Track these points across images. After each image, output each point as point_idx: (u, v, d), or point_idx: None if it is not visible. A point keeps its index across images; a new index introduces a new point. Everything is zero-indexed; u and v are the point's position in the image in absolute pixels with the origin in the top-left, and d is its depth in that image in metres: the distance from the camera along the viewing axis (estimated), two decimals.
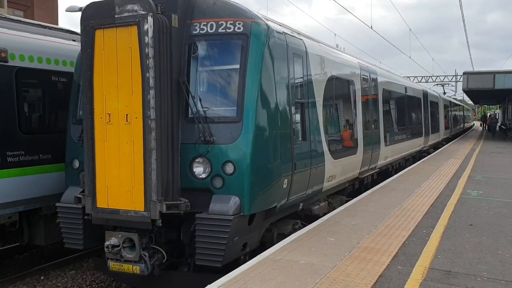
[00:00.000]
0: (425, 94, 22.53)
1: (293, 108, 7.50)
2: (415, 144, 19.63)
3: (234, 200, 6.29)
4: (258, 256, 6.19)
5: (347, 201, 10.24)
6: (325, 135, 8.84)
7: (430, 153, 23.18)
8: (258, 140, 6.51)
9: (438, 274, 5.55)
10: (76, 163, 7.31)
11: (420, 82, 50.55)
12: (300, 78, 7.98)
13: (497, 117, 52.58)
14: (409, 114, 18.33)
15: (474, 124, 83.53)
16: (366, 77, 12.37)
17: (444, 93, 49.77)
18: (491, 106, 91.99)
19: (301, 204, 8.28)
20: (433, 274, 5.55)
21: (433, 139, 24.60)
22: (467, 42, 42.94)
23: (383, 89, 14.10)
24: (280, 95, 7.09)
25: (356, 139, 11.06)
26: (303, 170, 7.72)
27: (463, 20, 29.67)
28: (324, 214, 8.89)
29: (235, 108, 6.58)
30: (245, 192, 6.34)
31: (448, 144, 29.26)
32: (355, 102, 11.27)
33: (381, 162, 13.63)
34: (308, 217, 8.61)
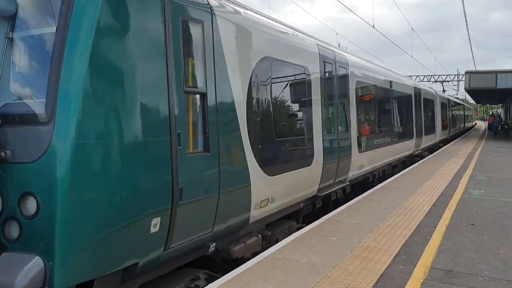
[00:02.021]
0: (417, 91, 20.05)
1: (179, 102, 4.99)
2: (404, 148, 17.10)
3: (32, 264, 3.75)
4: (259, 255, 6.19)
5: (299, 228, 8.06)
6: (251, 143, 6.36)
7: (424, 157, 21.05)
8: (85, 154, 3.98)
9: (439, 273, 5.55)
10: None
11: (422, 81, 50.39)
12: (199, 54, 5.44)
13: (500, 116, 52.17)
14: (395, 113, 15.72)
15: (476, 123, 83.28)
16: (330, 66, 9.74)
17: (444, 91, 48.99)
18: (493, 106, 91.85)
19: (212, 245, 5.83)
20: (434, 273, 5.54)
21: (427, 141, 22.19)
22: (470, 41, 42.82)
23: (358, 82, 11.55)
24: (147, 78, 4.60)
25: (311, 146, 8.53)
26: (200, 198, 5.27)
27: (466, 19, 29.64)
28: (256, 252, 6.72)
29: (44, 100, 4.06)
30: (55, 249, 3.78)
31: (447, 145, 28.83)
32: (310, 97, 8.65)
33: (354, 172, 11.18)
34: (228, 261, 6.49)
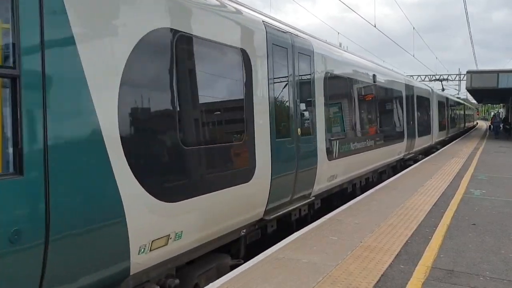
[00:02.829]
0: (410, 88, 17.88)
1: None
2: (392, 152, 14.99)
3: None
4: (260, 254, 6.17)
5: (234, 267, 6.13)
6: (128, 157, 4.31)
7: (419, 160, 18.92)
8: None
9: (440, 273, 5.53)
10: None
11: (423, 80, 50.29)
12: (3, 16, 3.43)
13: (500, 116, 51.91)
14: (380, 112, 13.48)
15: (477, 123, 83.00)
16: (284, 51, 7.63)
17: (443, 89, 48.00)
18: (494, 106, 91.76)
19: None
20: (435, 273, 5.52)
21: (421, 143, 20.10)
22: (471, 40, 42.78)
23: (327, 74, 9.39)
24: None
25: (251, 155, 6.42)
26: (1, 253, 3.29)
27: (467, 19, 29.59)
28: None
29: None
30: None
31: (445, 146, 28.39)
32: (249, 90, 6.48)
33: (323, 185, 9.16)
34: None
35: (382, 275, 5.41)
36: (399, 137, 15.70)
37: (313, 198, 8.78)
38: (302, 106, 8.28)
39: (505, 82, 28.17)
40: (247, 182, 6.34)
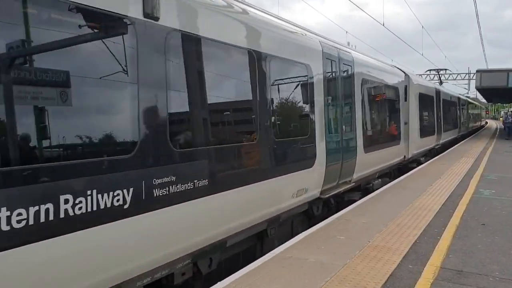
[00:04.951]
0: (338, 61, 9.49)
1: None
2: (273, 197, 6.94)
3: None
4: (267, 254, 6.17)
5: None
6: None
7: (369, 193, 10.90)
8: None
9: (449, 273, 5.49)
10: None
11: (432, 79, 49.81)
12: None
13: None
14: (213, 109, 5.78)
15: (486, 122, 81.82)
16: None
17: (441, 82, 40.83)
18: (504, 105, 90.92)
19: None
20: (444, 273, 5.48)
21: (376, 161, 12.04)
22: (481, 39, 42.41)
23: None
24: None
25: None
26: None
27: (477, 17, 29.38)
28: None
29: None
30: None
31: (455, 146, 27.84)
32: None
33: None
34: None
35: (390, 275, 5.38)
36: (300, 159, 7.84)
37: None
38: None
39: None
40: None
